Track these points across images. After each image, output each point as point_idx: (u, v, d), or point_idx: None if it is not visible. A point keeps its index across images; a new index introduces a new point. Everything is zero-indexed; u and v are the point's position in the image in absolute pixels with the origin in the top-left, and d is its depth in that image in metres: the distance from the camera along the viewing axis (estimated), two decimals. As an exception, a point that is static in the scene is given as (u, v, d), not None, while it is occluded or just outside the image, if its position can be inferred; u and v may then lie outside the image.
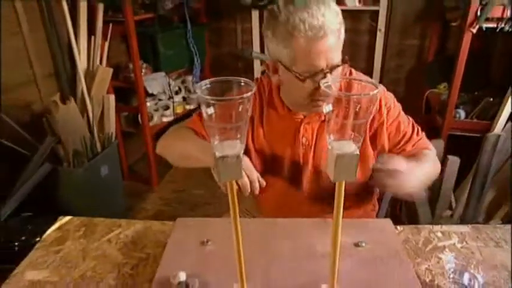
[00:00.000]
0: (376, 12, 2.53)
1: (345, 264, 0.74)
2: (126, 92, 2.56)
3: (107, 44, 2.17)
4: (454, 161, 1.44)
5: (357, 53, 2.81)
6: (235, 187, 0.52)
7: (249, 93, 0.46)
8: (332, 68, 0.84)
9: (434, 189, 1.56)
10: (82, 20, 2.06)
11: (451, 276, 0.76)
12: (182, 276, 0.69)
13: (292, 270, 0.73)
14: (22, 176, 1.80)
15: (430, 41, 2.59)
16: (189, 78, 2.95)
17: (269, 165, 1.06)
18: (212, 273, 0.72)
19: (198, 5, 2.78)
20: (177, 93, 2.94)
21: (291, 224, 0.86)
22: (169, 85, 2.71)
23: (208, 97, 0.45)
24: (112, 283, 0.79)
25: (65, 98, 1.97)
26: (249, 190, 0.86)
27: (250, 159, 1.07)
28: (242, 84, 0.48)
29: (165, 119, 2.72)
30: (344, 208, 0.60)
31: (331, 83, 0.57)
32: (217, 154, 0.49)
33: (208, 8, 2.90)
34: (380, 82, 2.81)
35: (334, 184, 1.04)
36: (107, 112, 2.16)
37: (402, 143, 1.02)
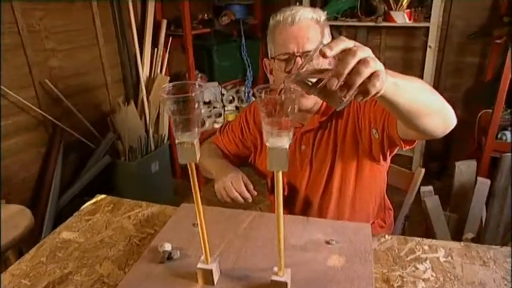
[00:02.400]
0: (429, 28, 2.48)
1: (309, 256, 0.81)
2: (184, 98, 2.83)
3: (167, 55, 2.47)
4: (483, 183, 1.38)
5: (408, 70, 2.75)
6: (194, 169, 0.65)
7: (197, 92, 0.58)
8: (304, 53, 0.93)
9: (464, 211, 1.50)
10: (148, 34, 2.38)
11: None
12: (167, 247, 0.83)
13: (261, 253, 0.82)
14: (87, 165, 2.13)
15: (489, 59, 2.44)
16: (243, 88, 3.16)
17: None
18: (193, 248, 0.85)
19: (254, 22, 2.98)
20: (231, 102, 3.16)
21: (275, 218, 0.95)
22: (222, 94, 2.94)
23: (165, 95, 0.58)
24: (121, 249, 0.96)
25: (128, 101, 2.28)
26: (242, 201, 1.02)
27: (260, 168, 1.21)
28: (197, 86, 0.61)
29: (216, 126, 2.95)
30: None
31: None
32: (177, 141, 0.62)
33: (263, 24, 3.09)
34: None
35: (325, 191, 1.10)
36: (162, 115, 2.43)
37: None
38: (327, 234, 0.88)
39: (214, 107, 3.02)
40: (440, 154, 2.78)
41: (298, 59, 0.93)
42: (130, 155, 2.21)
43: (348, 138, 1.05)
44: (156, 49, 2.43)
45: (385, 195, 1.27)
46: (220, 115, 3.01)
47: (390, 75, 0.56)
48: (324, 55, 0.50)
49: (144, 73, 2.38)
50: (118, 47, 2.33)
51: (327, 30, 0.99)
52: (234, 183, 1.03)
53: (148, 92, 2.38)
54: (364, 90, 0.52)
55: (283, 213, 0.69)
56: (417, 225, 1.61)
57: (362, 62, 0.50)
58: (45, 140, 2.03)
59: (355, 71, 0.50)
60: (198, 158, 0.62)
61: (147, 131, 2.34)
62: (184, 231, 0.92)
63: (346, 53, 0.51)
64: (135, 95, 2.42)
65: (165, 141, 2.46)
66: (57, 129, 2.02)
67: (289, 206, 1.19)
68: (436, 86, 2.68)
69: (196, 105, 0.60)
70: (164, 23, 2.43)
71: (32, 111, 1.93)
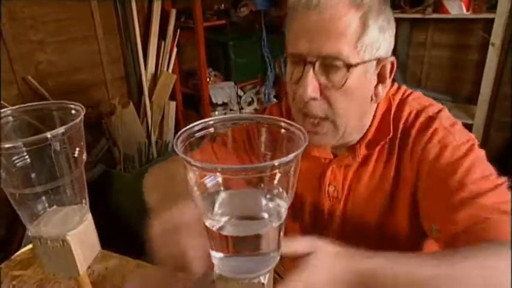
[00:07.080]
0: (491, 22, 2.01)
1: None
2: (197, 99, 2.53)
3: (175, 49, 2.16)
4: None
5: (462, 73, 2.30)
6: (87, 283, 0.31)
7: (62, 129, 0.24)
8: (319, 58, 0.57)
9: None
10: (154, 25, 2.07)
11: None
12: None
13: None
14: (77, 174, 1.86)
15: None
16: (263, 89, 2.81)
17: (290, 211, 0.81)
18: None
19: (279, 13, 2.61)
20: (250, 104, 2.83)
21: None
22: (239, 96, 2.60)
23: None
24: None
25: (132, 101, 2.00)
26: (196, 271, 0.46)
27: None
28: (73, 112, 0.27)
29: (231, 130, 2.62)
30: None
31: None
32: (31, 232, 0.28)
33: (289, 16, 2.72)
34: (491, 111, 2.25)
35: (365, 245, 0.74)
36: (166, 118, 2.13)
37: (451, 205, 0.57)
38: None
39: (231, 109, 2.70)
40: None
41: (309, 69, 0.57)
42: (126, 164, 1.92)
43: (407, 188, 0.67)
44: (163, 43, 2.13)
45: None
46: (236, 118, 2.68)
47: None
48: None
49: (148, 70, 2.08)
50: (120, 39, 2.04)
51: (373, 19, 0.57)
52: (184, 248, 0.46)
53: (151, 92, 2.08)
54: None
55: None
56: None
57: None
58: (30, 145, 1.77)
59: None
60: (82, 270, 0.29)
61: (148, 137, 2.05)
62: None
63: None
64: (140, 94, 2.13)
65: (169, 148, 2.16)
66: (43, 132, 1.76)
67: None
68: (496, 93, 2.22)
69: (75, 152, 0.26)
70: (173, 13, 2.12)
71: (14, 112, 1.67)
